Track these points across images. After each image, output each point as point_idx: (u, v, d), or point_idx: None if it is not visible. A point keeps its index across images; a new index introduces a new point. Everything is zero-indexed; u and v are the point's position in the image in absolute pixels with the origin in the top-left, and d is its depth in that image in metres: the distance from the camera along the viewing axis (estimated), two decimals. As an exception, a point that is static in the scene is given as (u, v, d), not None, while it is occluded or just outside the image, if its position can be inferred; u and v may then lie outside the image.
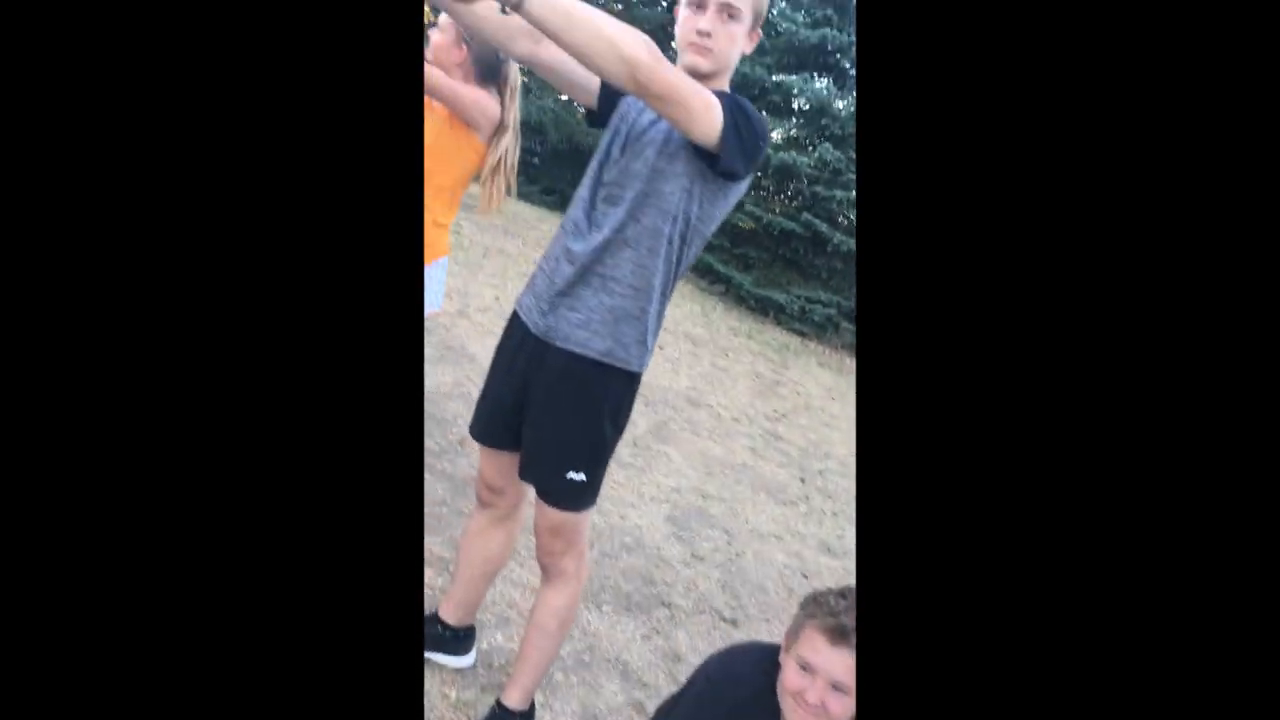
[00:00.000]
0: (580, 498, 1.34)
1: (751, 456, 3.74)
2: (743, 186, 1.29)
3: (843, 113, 8.32)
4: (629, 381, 1.31)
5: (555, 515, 1.34)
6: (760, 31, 1.27)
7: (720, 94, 1.16)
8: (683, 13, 1.21)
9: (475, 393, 3.10)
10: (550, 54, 1.24)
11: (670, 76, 1.04)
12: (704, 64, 1.19)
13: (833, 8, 8.55)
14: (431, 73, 1.65)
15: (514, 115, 1.78)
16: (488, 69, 1.75)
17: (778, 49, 8.71)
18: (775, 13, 8.55)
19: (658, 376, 4.28)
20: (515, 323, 1.38)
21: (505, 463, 1.45)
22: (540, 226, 7.60)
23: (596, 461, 1.33)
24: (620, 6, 9.74)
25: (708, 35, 1.17)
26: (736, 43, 1.21)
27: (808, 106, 8.67)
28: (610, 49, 0.99)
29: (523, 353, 1.34)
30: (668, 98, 1.05)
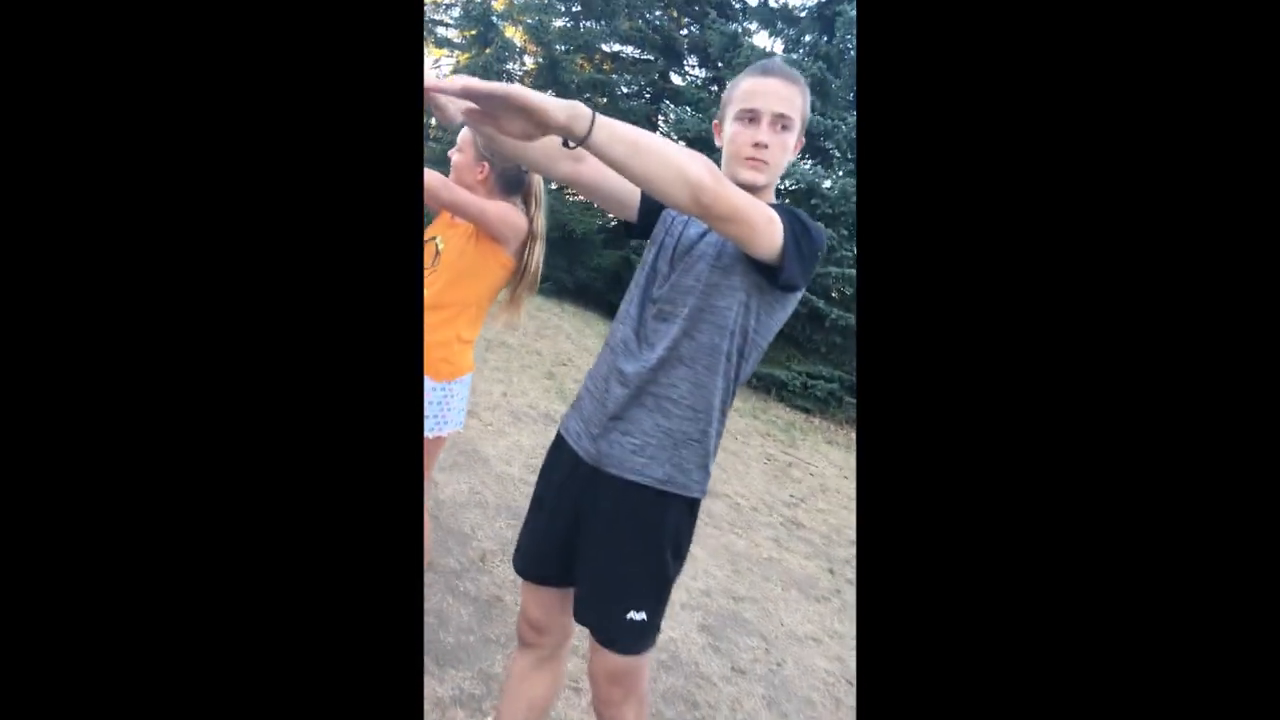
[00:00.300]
0: (642, 639, 1.22)
1: (776, 549, 3.59)
2: (799, 295, 1.23)
3: (832, 192, 8.47)
4: (689, 509, 1.21)
5: (615, 661, 1.22)
6: (804, 137, 1.23)
7: (776, 207, 1.12)
8: (732, 126, 1.17)
9: (492, 499, 3.00)
10: (591, 172, 1.19)
11: (733, 197, 0.99)
12: (761, 178, 1.15)
13: (816, 95, 8.84)
14: (456, 191, 1.61)
15: (540, 224, 1.73)
16: (511, 182, 1.71)
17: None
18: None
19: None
20: (561, 448, 1.29)
21: (550, 599, 1.33)
22: (539, 315, 7.59)
23: (658, 599, 1.22)
24: (605, 100, 10.03)
25: (765, 147, 1.14)
26: (788, 152, 1.18)
27: (796, 188, 8.83)
28: (674, 174, 0.94)
29: (573, 482, 1.25)
30: (731, 218, 1.00)
